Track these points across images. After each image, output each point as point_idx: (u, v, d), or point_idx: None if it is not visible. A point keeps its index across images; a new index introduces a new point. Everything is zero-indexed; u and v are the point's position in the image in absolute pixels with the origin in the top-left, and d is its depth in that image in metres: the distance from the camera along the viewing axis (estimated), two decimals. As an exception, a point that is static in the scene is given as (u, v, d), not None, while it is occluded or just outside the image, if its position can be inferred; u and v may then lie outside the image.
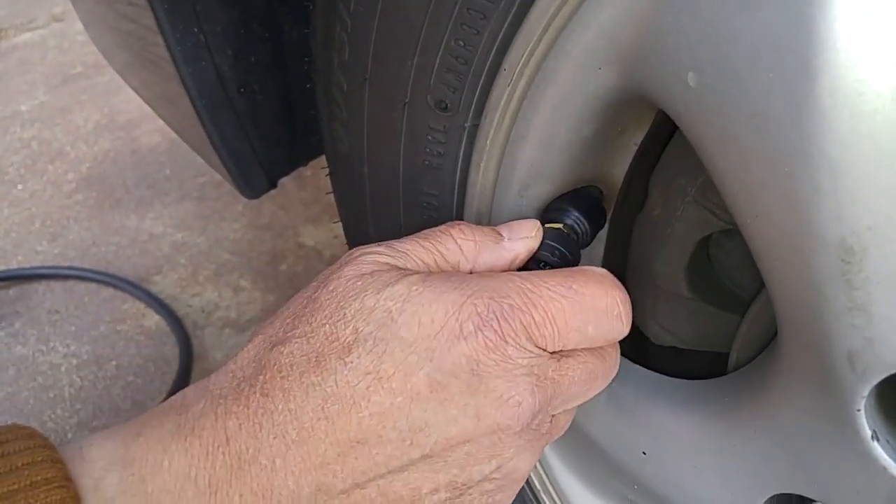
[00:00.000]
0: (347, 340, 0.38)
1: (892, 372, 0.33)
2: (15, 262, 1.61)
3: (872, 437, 0.36)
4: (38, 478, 0.33)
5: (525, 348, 0.39)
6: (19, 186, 1.86)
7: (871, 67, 0.29)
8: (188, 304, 1.46)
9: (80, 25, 2.39)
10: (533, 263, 0.46)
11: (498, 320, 0.38)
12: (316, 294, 0.41)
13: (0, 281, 1.54)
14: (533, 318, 0.39)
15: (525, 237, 0.45)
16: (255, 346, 0.41)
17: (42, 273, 1.56)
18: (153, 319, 1.44)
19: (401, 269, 0.41)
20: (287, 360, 0.38)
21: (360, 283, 0.40)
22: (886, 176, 0.30)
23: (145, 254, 1.60)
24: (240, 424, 0.37)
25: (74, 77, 2.34)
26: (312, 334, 0.39)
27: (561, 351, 0.41)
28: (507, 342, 0.38)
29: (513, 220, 0.48)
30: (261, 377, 0.38)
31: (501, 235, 0.45)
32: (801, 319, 0.36)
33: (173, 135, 1.13)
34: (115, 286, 1.51)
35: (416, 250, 0.43)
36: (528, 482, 0.69)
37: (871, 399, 0.35)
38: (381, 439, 0.37)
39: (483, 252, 0.44)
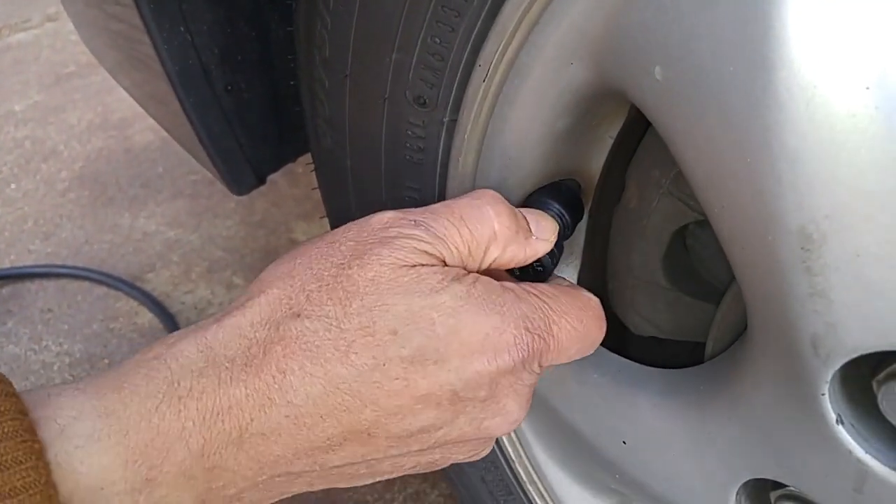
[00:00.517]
0: (384, 340, 0.37)
1: (854, 356, 0.34)
2: (7, 261, 1.61)
3: (837, 420, 0.37)
4: None
5: (534, 371, 0.42)
6: (12, 185, 1.86)
7: (824, 61, 0.30)
8: (181, 302, 1.47)
9: (73, 25, 2.39)
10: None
11: (527, 351, 0.40)
12: (351, 272, 0.39)
13: (-6, 280, 1.55)
14: (549, 348, 0.42)
15: (546, 240, 0.45)
16: (269, 304, 0.38)
17: (35, 272, 1.56)
18: (146, 317, 1.44)
19: (439, 259, 0.41)
20: (312, 339, 0.37)
21: (405, 278, 0.39)
22: (842, 165, 0.31)
23: (138, 252, 1.61)
24: (247, 395, 0.36)
25: (68, 76, 2.34)
26: (345, 320, 0.37)
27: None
28: (524, 369, 0.41)
29: None
30: (278, 348, 0.36)
31: (530, 230, 0.45)
32: (767, 306, 0.37)
33: (166, 133, 1.13)
34: (108, 284, 1.51)
35: (452, 236, 0.41)
36: (515, 474, 0.69)
37: (835, 383, 0.36)
38: (389, 434, 0.39)
39: (512, 244, 0.43)
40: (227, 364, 0.36)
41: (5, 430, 0.31)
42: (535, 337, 0.40)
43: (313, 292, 0.38)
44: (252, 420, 0.36)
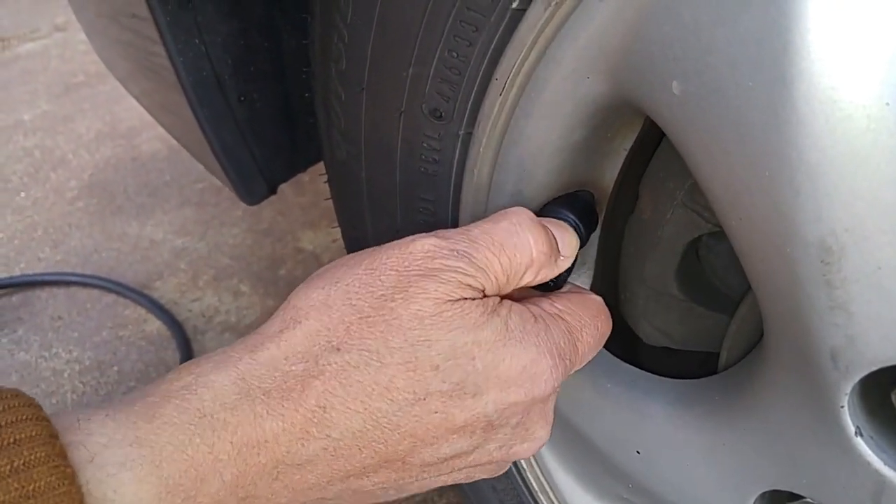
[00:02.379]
0: (426, 375, 0.38)
1: (874, 369, 0.34)
2: (18, 269, 1.62)
3: (856, 433, 0.37)
4: (22, 435, 0.31)
5: (558, 390, 0.43)
6: (22, 194, 1.87)
7: (843, 75, 0.30)
8: (188, 309, 1.48)
9: (82, 35, 2.41)
10: None
11: (559, 377, 0.42)
12: (394, 304, 0.38)
13: (3, 288, 1.55)
14: (574, 364, 0.43)
15: (569, 257, 0.46)
16: (307, 338, 0.38)
17: (45, 280, 1.57)
18: (154, 325, 1.45)
19: (480, 290, 0.41)
20: (353, 374, 0.36)
21: (448, 313, 0.38)
22: (861, 178, 0.31)
23: (146, 260, 1.61)
24: (284, 428, 0.35)
25: (76, 86, 2.35)
26: (387, 355, 0.37)
27: None
28: (555, 391, 0.42)
29: None
30: (317, 383, 0.36)
31: (560, 252, 0.45)
32: (786, 319, 0.37)
33: (173, 142, 1.14)
34: (116, 292, 1.52)
35: (494, 267, 0.41)
36: (526, 483, 0.70)
37: (854, 396, 0.36)
38: (423, 461, 0.40)
39: (545, 268, 0.44)
40: (262, 397, 0.36)
41: (37, 455, 0.31)
42: (567, 362, 0.42)
43: (353, 325, 0.38)
44: (288, 452, 0.36)
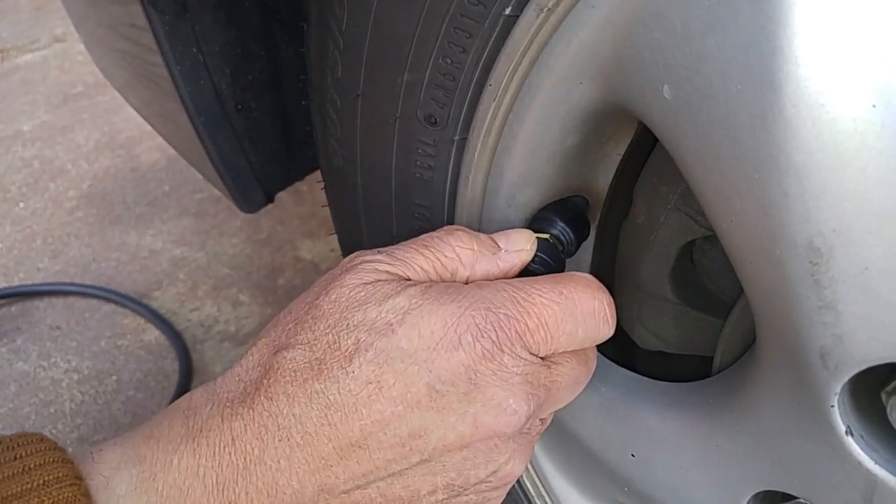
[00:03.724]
0: (349, 350, 0.39)
1: (862, 368, 0.35)
2: (17, 279, 1.63)
3: (846, 432, 0.37)
4: (50, 476, 0.35)
5: (520, 356, 0.40)
6: (21, 204, 1.87)
7: (830, 79, 0.31)
8: (187, 319, 1.48)
9: (80, 46, 2.42)
10: (522, 273, 0.47)
11: (495, 330, 0.40)
12: (318, 301, 0.42)
13: (2, 298, 1.55)
14: (527, 325, 0.41)
15: (520, 250, 0.46)
16: (258, 351, 0.42)
17: (43, 289, 1.57)
18: (153, 334, 1.45)
19: (401, 277, 0.43)
20: (290, 366, 0.40)
21: (362, 293, 0.41)
22: (848, 180, 0.31)
23: (145, 269, 1.62)
24: (245, 426, 0.38)
25: (75, 96, 2.36)
26: (315, 342, 0.40)
27: (552, 355, 0.43)
28: (503, 351, 0.40)
29: (501, 229, 0.49)
30: (265, 381, 0.40)
31: (498, 246, 0.46)
32: (776, 319, 0.38)
33: (172, 152, 1.14)
34: (115, 302, 1.52)
35: (415, 258, 0.44)
36: (522, 487, 0.70)
37: (844, 395, 0.37)
38: (381, 444, 0.39)
39: (480, 261, 0.45)
40: (227, 404, 0.40)
41: (66, 495, 0.34)
42: (501, 315, 0.40)
43: (290, 328, 0.42)
44: (252, 449, 0.38)
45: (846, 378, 0.35)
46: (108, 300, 1.53)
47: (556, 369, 0.43)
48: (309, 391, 0.39)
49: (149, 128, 1.09)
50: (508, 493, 0.72)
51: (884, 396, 0.36)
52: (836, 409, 0.37)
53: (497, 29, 0.43)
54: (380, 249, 0.45)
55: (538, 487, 0.67)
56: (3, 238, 1.76)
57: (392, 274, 0.43)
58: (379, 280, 0.42)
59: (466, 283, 0.44)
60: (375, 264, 0.43)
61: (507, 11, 0.42)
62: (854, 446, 0.37)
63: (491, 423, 0.40)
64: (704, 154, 0.37)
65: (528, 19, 0.41)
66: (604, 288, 0.45)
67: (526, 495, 0.69)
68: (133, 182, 1.92)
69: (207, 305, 1.51)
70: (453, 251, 0.44)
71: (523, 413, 0.40)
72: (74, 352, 1.43)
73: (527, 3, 0.41)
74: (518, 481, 0.69)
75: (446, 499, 0.42)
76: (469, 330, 0.39)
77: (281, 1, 0.68)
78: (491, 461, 0.42)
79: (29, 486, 0.34)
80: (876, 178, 0.31)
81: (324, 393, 0.39)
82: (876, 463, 0.37)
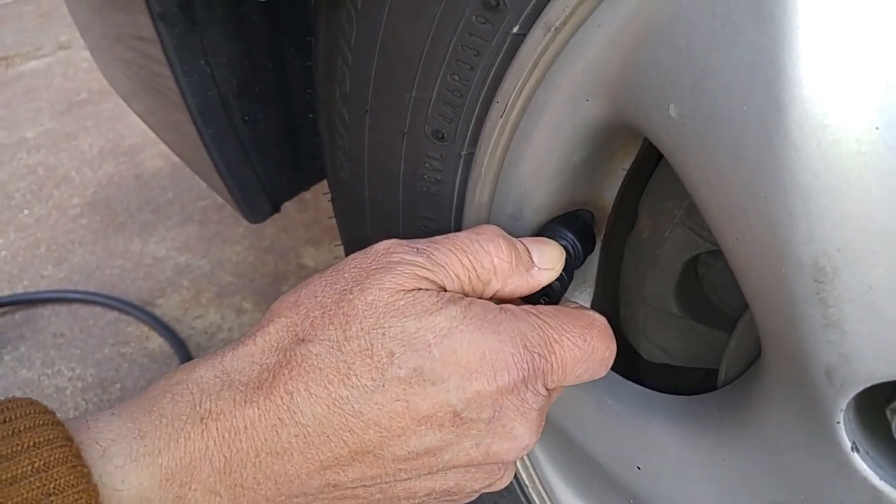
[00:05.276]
0: (382, 362, 0.39)
1: (868, 385, 0.35)
2: (21, 287, 1.63)
3: (852, 448, 0.38)
4: (41, 438, 0.34)
5: (539, 392, 0.42)
6: (25, 212, 1.88)
7: (834, 101, 0.31)
8: (191, 327, 1.48)
9: (85, 53, 2.43)
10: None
11: (527, 370, 0.41)
12: (352, 297, 0.40)
13: (6, 305, 1.56)
14: (552, 365, 0.42)
15: (550, 269, 0.46)
16: (276, 332, 0.41)
17: (47, 297, 1.57)
18: (157, 342, 1.45)
19: (439, 286, 0.42)
20: (315, 363, 0.39)
21: (401, 301, 0.40)
22: (853, 201, 0.32)
23: (149, 277, 1.62)
24: (260, 415, 0.38)
25: (79, 104, 2.37)
26: (346, 343, 0.39)
27: (556, 388, 0.45)
28: (527, 388, 0.41)
29: None
30: (285, 371, 0.39)
31: (532, 262, 0.45)
32: (782, 336, 0.38)
33: (176, 159, 1.15)
34: (119, 309, 1.52)
35: (453, 264, 0.43)
36: (529, 499, 0.70)
37: (850, 412, 0.37)
38: (395, 456, 0.40)
39: (513, 276, 0.44)
40: (241, 388, 0.39)
41: (56, 456, 0.34)
42: (535, 355, 0.41)
43: (317, 318, 0.40)
44: (266, 440, 0.38)
45: (851, 395, 0.36)
46: (111, 307, 1.53)
47: (552, 394, 0.45)
48: (334, 395, 0.38)
49: (152, 135, 1.09)
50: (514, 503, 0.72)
51: (889, 413, 0.36)
52: (841, 425, 0.37)
53: (504, 47, 0.44)
54: (417, 247, 0.43)
55: (545, 500, 0.68)
56: (7, 245, 1.77)
57: (430, 281, 0.42)
58: (419, 289, 0.41)
59: (496, 295, 0.44)
60: (415, 269, 0.42)
61: (515, 30, 0.43)
62: (860, 462, 0.38)
63: (503, 453, 0.42)
64: (710, 172, 0.38)
65: (536, 38, 0.42)
66: (613, 336, 0.46)
67: (531, 506, 0.69)
68: (137, 189, 1.93)
69: (211, 313, 1.51)
70: (491, 262, 0.43)
71: (532, 444, 0.43)
72: (78, 359, 1.44)
73: (534, 21, 0.42)
74: (525, 494, 0.70)
75: (438, 499, 0.44)
76: (506, 367, 0.40)
77: (288, 15, 0.69)
78: (488, 478, 0.44)
79: (19, 447, 0.34)
80: (879, 198, 0.31)
81: (349, 401, 0.38)
82: (881, 479, 0.37)
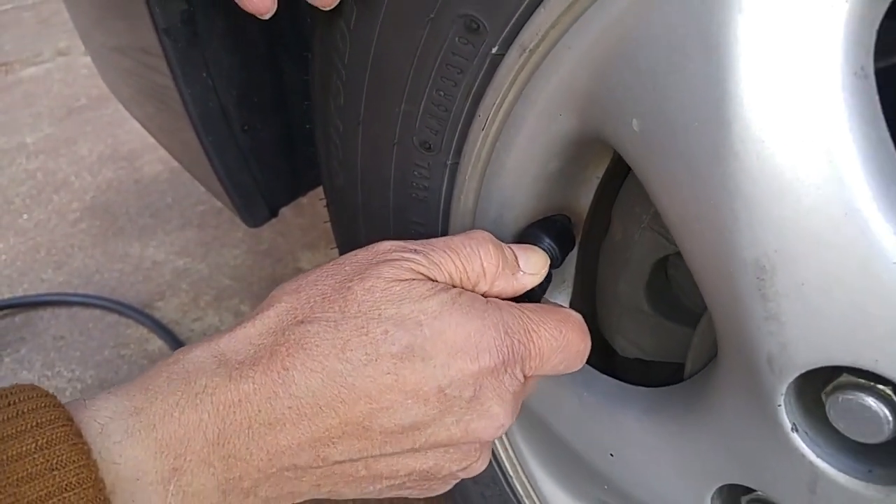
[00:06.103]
0: (377, 338, 0.42)
1: (804, 371, 0.39)
2: (21, 290, 1.66)
3: (792, 429, 0.42)
4: (43, 419, 0.36)
5: (516, 377, 0.46)
6: (25, 216, 1.91)
7: (770, 119, 0.35)
8: (190, 329, 1.51)
9: (84, 59, 2.46)
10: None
11: (507, 354, 0.45)
12: (351, 284, 0.44)
13: (6, 308, 1.58)
14: (529, 352, 0.46)
15: (534, 274, 0.50)
16: (277, 316, 0.43)
17: (47, 300, 1.60)
18: (156, 344, 1.48)
19: (432, 280, 0.46)
20: (313, 340, 0.41)
21: (398, 288, 0.44)
22: (787, 208, 0.36)
23: (148, 280, 1.65)
24: (255, 389, 0.40)
25: (79, 109, 2.41)
26: (343, 322, 0.42)
27: (532, 376, 0.48)
28: (506, 371, 0.45)
29: None
30: (282, 349, 0.41)
31: (518, 266, 0.49)
32: (731, 329, 0.42)
33: (175, 164, 1.18)
34: (118, 312, 1.55)
35: (447, 264, 0.46)
36: (513, 490, 0.74)
37: (790, 396, 0.41)
38: (383, 428, 0.43)
39: (500, 279, 0.48)
40: (237, 366, 0.41)
41: (57, 434, 0.36)
42: (515, 341, 0.45)
43: (316, 303, 0.43)
44: (259, 411, 0.40)
45: (790, 380, 0.40)
46: (111, 310, 1.56)
47: (528, 382, 0.48)
48: (328, 369, 0.41)
49: (152, 140, 1.12)
50: (500, 496, 0.76)
51: (823, 397, 0.40)
52: (782, 408, 0.41)
53: (485, 66, 0.48)
54: (415, 247, 0.47)
55: (528, 490, 0.71)
56: (7, 249, 1.80)
57: (424, 275, 0.45)
58: (415, 279, 0.45)
59: (484, 295, 0.48)
60: (412, 264, 0.45)
61: (494, 51, 0.47)
62: (799, 442, 0.42)
63: (480, 431, 0.45)
64: (669, 182, 0.42)
65: (513, 58, 0.46)
66: (587, 331, 0.50)
67: (517, 498, 0.73)
68: (136, 194, 1.96)
69: (210, 316, 1.54)
70: (481, 265, 0.47)
71: (507, 425, 0.46)
72: (78, 362, 1.46)
73: (511, 43, 0.46)
74: (509, 485, 0.73)
75: (418, 480, 0.47)
76: (487, 349, 0.44)
77: (287, 31, 0.73)
78: (465, 459, 0.47)
79: (22, 427, 0.36)
80: (808, 207, 0.35)
81: (342, 374, 0.41)
82: (818, 457, 0.41)
